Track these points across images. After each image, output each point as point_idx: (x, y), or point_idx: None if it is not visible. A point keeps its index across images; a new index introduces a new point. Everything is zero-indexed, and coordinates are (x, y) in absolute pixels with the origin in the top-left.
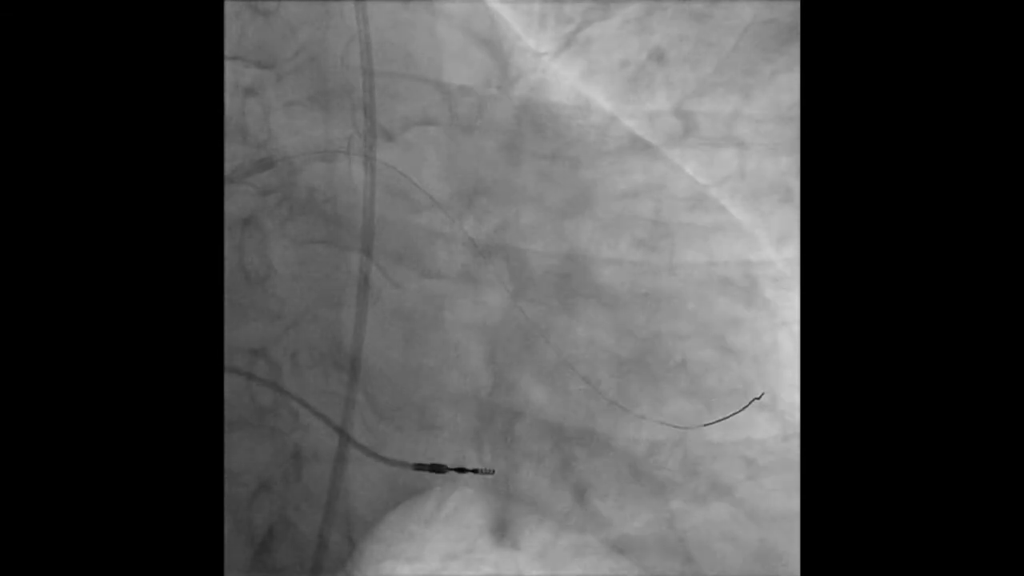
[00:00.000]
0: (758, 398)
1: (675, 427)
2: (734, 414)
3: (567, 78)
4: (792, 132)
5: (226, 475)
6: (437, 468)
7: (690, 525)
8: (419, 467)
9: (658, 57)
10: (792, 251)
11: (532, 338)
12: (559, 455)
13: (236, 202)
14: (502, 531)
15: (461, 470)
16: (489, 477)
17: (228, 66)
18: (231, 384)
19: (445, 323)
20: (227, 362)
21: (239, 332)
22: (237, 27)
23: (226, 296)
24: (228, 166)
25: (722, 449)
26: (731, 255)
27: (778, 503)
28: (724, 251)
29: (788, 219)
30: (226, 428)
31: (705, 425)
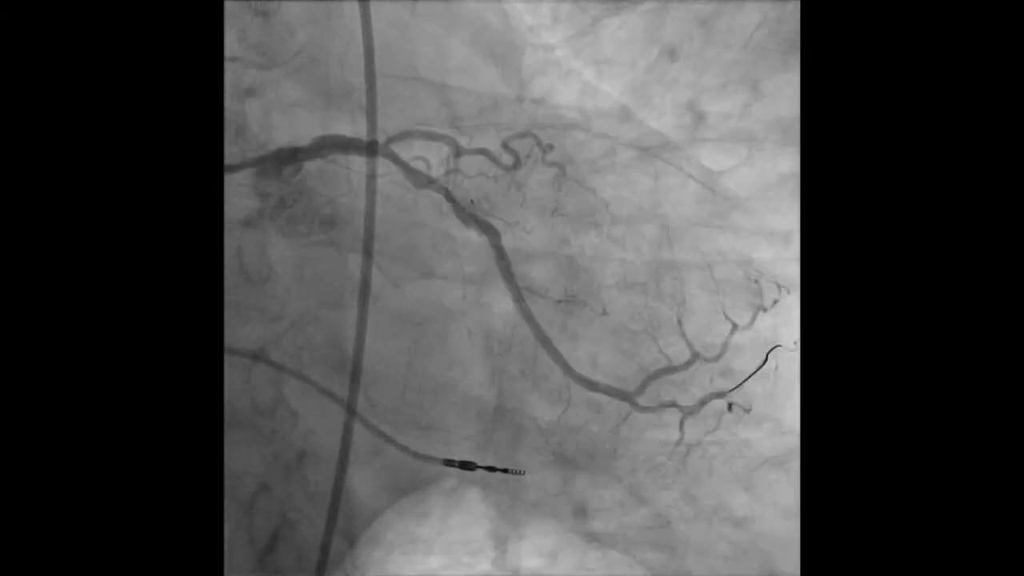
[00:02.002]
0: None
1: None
2: (756, 371)
3: (579, 76)
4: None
5: (227, 476)
6: (466, 465)
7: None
8: (448, 463)
9: (669, 52)
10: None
11: (538, 340)
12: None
13: (236, 203)
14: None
15: (491, 469)
16: (481, 474)
17: (228, 67)
18: (232, 384)
19: (446, 324)
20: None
21: (239, 333)
22: (237, 28)
23: (226, 297)
24: (249, 169)
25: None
26: (741, 250)
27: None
28: (734, 246)
29: (796, 214)
30: (226, 428)
31: (728, 392)
